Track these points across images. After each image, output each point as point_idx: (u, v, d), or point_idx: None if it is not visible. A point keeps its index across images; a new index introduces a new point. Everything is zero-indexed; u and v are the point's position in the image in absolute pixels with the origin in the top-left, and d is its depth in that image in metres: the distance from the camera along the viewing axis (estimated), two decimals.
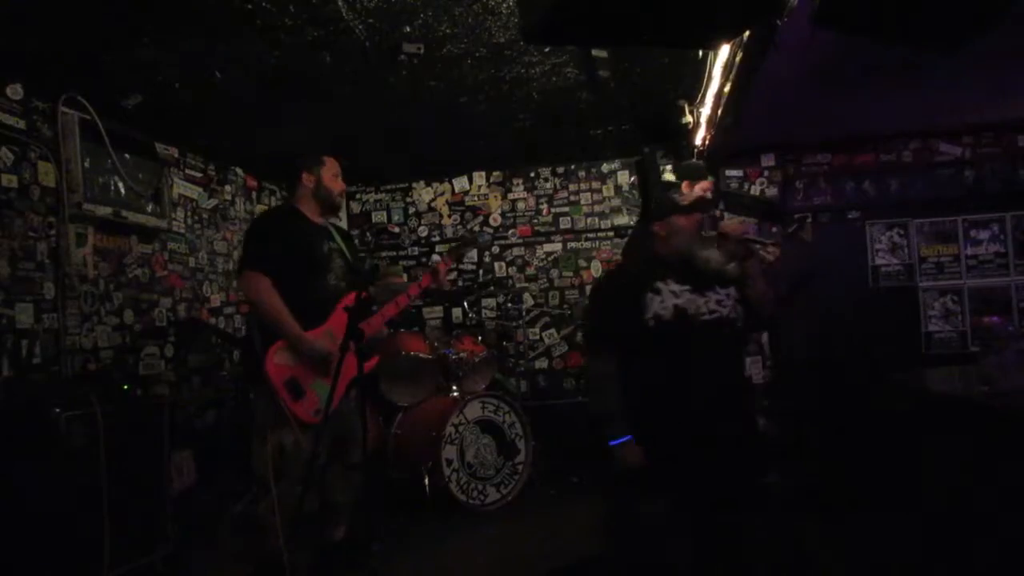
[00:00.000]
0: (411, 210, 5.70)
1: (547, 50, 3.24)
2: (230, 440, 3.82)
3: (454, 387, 4.23)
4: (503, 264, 5.57)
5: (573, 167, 5.51)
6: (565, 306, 5.45)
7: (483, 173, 5.61)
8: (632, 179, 5.43)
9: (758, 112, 3.60)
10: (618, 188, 5.46)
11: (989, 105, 4.13)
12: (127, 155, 3.69)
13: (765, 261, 3.61)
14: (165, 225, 4.03)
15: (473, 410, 3.99)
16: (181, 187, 4.30)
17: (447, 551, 3.36)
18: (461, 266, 5.60)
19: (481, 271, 5.59)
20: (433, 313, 5.60)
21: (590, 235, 5.48)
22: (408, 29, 2.91)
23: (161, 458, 3.10)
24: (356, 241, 5.68)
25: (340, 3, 2.65)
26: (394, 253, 5.69)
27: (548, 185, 5.55)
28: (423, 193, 5.68)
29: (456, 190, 5.65)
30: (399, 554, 3.21)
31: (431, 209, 5.68)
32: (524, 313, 5.47)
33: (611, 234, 5.44)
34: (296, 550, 2.58)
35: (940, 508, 2.57)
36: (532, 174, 5.56)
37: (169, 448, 3.16)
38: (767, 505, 2.26)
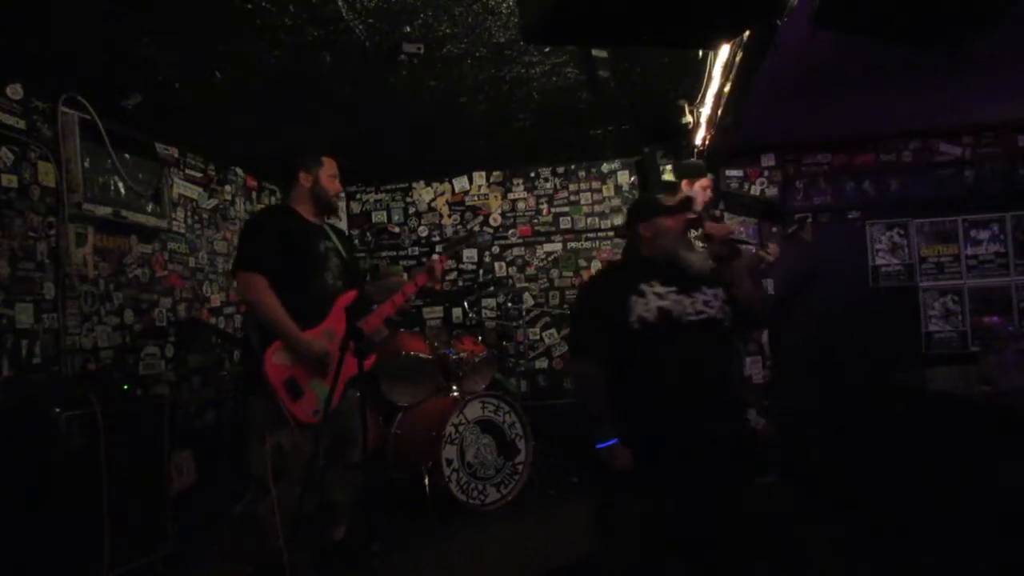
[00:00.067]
0: (411, 210, 5.70)
1: (547, 50, 3.24)
2: (230, 440, 3.82)
3: (454, 387, 4.23)
4: (503, 264, 5.57)
5: (573, 167, 5.51)
6: (565, 306, 5.44)
7: (483, 173, 5.61)
8: (632, 179, 5.43)
9: (758, 112, 3.60)
10: (618, 188, 5.46)
11: (989, 105, 4.14)
12: (127, 155, 3.69)
13: (765, 261, 3.64)
14: (165, 225, 4.03)
15: (473, 410, 3.99)
16: (181, 187, 4.30)
17: (447, 551, 3.36)
18: (461, 266, 5.60)
19: (481, 271, 5.59)
20: (433, 313, 5.61)
21: (590, 235, 5.48)
22: (408, 29, 2.91)
23: (161, 458, 3.10)
24: (356, 241, 5.70)
25: (340, 3, 2.65)
26: (394, 253, 5.69)
27: (548, 185, 5.55)
28: (423, 193, 5.69)
29: (456, 190, 5.65)
30: (399, 554, 3.21)
31: (431, 209, 5.68)
32: (524, 313, 5.47)
33: (611, 234, 5.44)
34: (296, 550, 2.58)
35: (940, 508, 2.57)
36: (532, 174, 5.57)
37: (169, 448, 3.16)
38: (759, 505, 2.26)
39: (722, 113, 3.45)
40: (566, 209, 5.52)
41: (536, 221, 5.55)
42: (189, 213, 4.38)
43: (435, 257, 3.17)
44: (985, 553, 2.29)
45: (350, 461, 2.85)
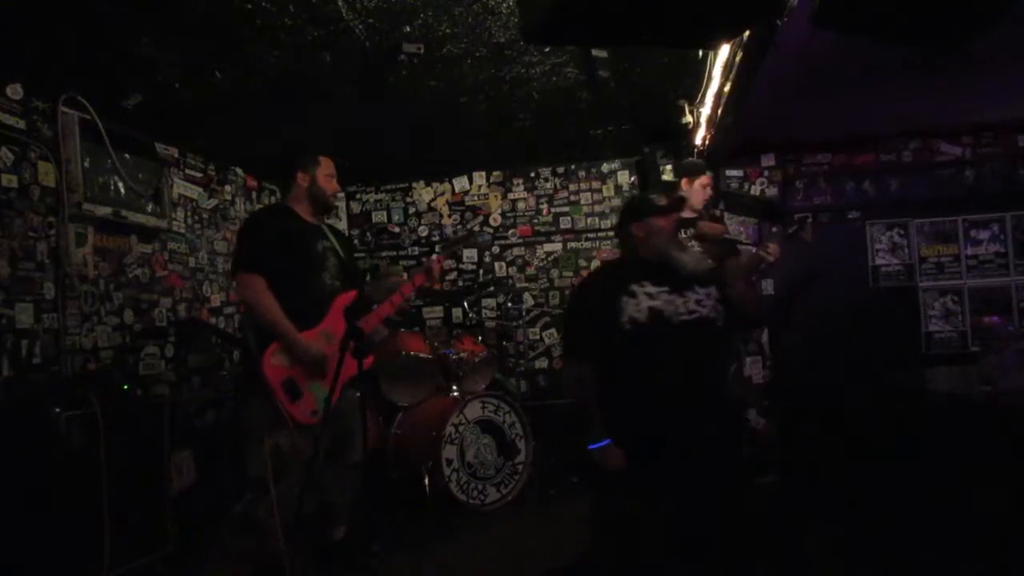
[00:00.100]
0: (411, 210, 5.70)
1: (547, 50, 3.24)
2: (230, 440, 3.82)
3: (454, 387, 4.23)
4: (503, 264, 5.57)
5: (573, 167, 5.51)
6: (565, 306, 5.44)
7: (483, 173, 5.61)
8: (632, 179, 5.43)
9: (758, 112, 3.60)
10: (618, 188, 5.46)
11: (989, 105, 4.14)
12: (127, 155, 3.69)
13: (765, 261, 3.64)
14: (165, 225, 4.03)
15: (473, 410, 3.99)
16: (181, 187, 4.30)
17: (447, 551, 3.36)
18: (461, 266, 5.60)
19: (481, 271, 5.59)
20: (433, 313, 5.60)
21: (590, 235, 5.48)
22: (408, 29, 2.90)
23: (161, 458, 3.10)
24: (356, 241, 5.70)
25: (340, 3, 2.65)
26: (394, 253, 5.69)
27: (548, 185, 5.55)
28: (423, 193, 5.68)
29: (456, 190, 5.65)
30: (399, 554, 3.21)
31: (431, 209, 5.68)
32: (524, 313, 5.47)
33: (611, 234, 5.43)
34: (296, 551, 2.58)
35: (940, 508, 2.57)
36: (532, 174, 5.56)
37: (169, 448, 3.16)
38: (752, 505, 2.26)
39: (722, 113, 3.45)
40: (566, 209, 5.52)
41: (536, 221, 5.55)
42: (189, 213, 4.38)
43: (433, 257, 3.16)
44: (985, 553, 2.29)
45: (349, 461, 2.85)
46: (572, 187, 5.51)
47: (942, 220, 4.71)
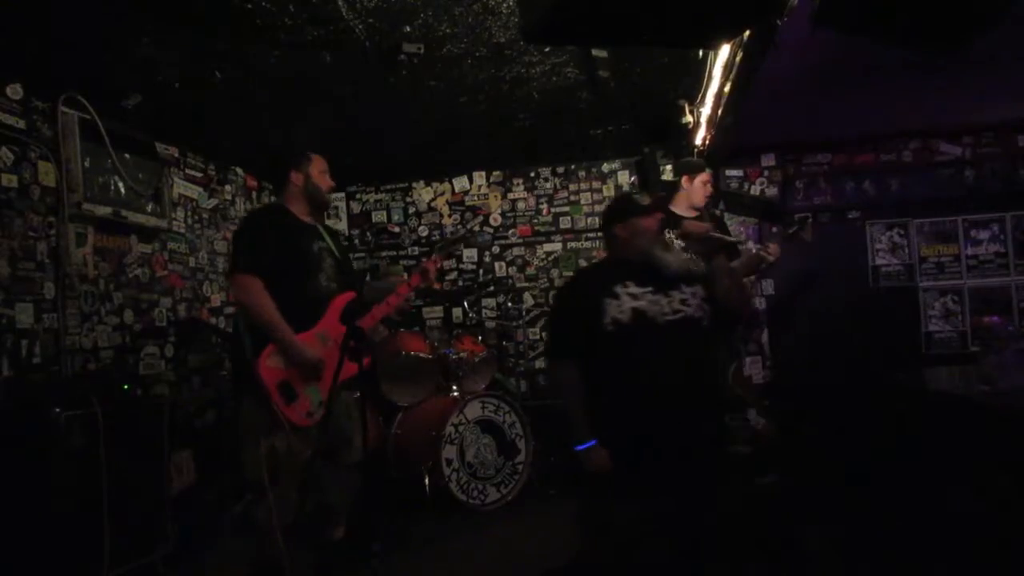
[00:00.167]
0: (411, 210, 5.70)
1: (547, 50, 3.24)
2: (230, 440, 3.82)
3: (454, 387, 4.23)
4: (503, 264, 5.57)
5: (573, 167, 5.51)
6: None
7: (483, 173, 5.61)
8: (632, 179, 5.43)
9: (758, 112, 3.60)
10: (618, 188, 5.46)
11: (989, 105, 4.14)
12: (127, 155, 3.69)
13: (766, 261, 3.63)
14: (165, 225, 4.03)
15: (473, 410, 4.00)
16: (181, 187, 4.30)
17: (447, 551, 3.36)
18: (461, 266, 5.60)
19: (481, 271, 5.59)
20: (433, 313, 5.60)
21: (590, 235, 5.47)
22: (408, 29, 2.91)
23: (161, 458, 3.10)
24: (356, 241, 5.70)
25: (340, 3, 2.65)
26: (394, 253, 5.69)
27: (548, 185, 5.55)
28: (423, 193, 5.68)
29: (456, 190, 5.65)
30: (399, 554, 3.21)
31: (431, 209, 5.68)
32: (524, 313, 5.47)
33: None
34: (295, 552, 2.57)
35: (940, 508, 2.57)
36: (532, 174, 5.56)
37: (169, 448, 3.16)
38: (738, 505, 2.25)
39: (722, 113, 3.45)
40: (566, 209, 5.52)
41: (536, 221, 5.55)
42: (189, 213, 4.38)
43: (434, 256, 3.15)
44: (985, 553, 2.29)
45: (346, 462, 2.84)
46: (572, 187, 5.51)
47: (942, 220, 4.71)
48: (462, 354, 4.29)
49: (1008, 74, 3.43)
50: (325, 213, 3.18)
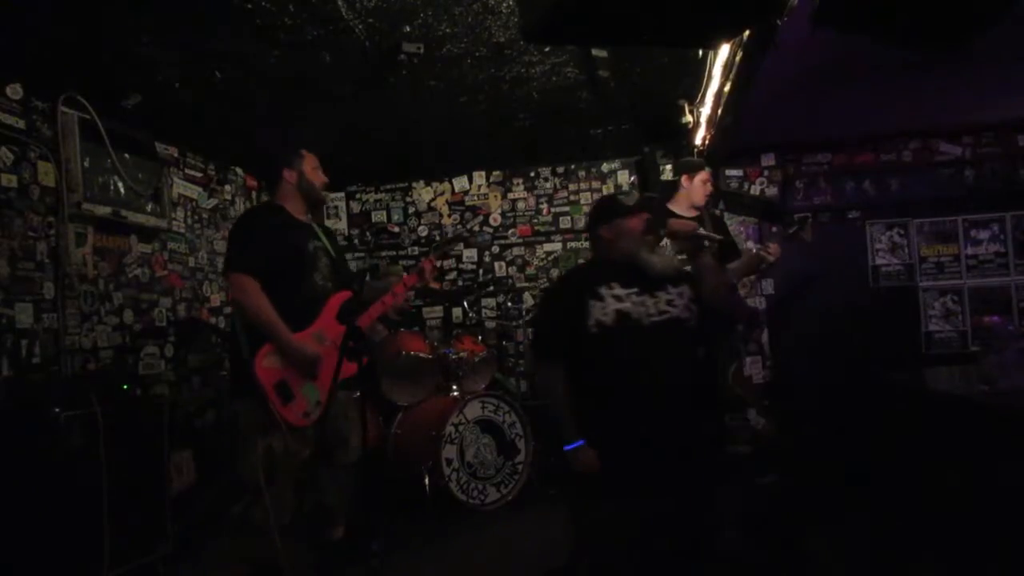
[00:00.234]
0: (411, 210, 5.70)
1: (547, 50, 3.24)
2: (230, 440, 3.82)
3: (454, 387, 4.23)
4: (503, 264, 5.57)
5: (573, 167, 5.51)
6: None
7: (483, 173, 5.61)
8: (632, 179, 5.43)
9: (758, 112, 3.60)
10: (618, 188, 5.46)
11: (989, 105, 4.14)
12: (127, 155, 3.69)
13: (766, 261, 3.63)
14: (165, 225, 4.03)
15: (473, 410, 3.99)
16: (181, 187, 4.30)
17: (447, 551, 3.36)
18: (461, 265, 5.60)
19: (481, 271, 5.59)
20: (433, 313, 5.60)
21: None
22: (408, 29, 2.90)
23: (161, 458, 3.10)
24: (356, 241, 5.70)
25: (340, 3, 2.65)
26: (394, 253, 5.69)
27: (548, 185, 5.55)
28: (423, 193, 5.68)
29: (456, 190, 5.65)
30: (399, 554, 3.21)
31: (431, 209, 5.68)
32: (524, 313, 5.47)
33: None
34: (294, 552, 2.57)
35: (940, 508, 2.57)
36: (532, 174, 5.56)
37: (169, 448, 3.16)
38: (724, 507, 2.25)
39: (722, 113, 3.45)
40: (566, 209, 5.52)
41: (536, 221, 5.55)
42: (189, 213, 4.38)
43: (430, 256, 3.15)
44: (985, 553, 2.29)
45: (343, 462, 2.84)
46: (572, 187, 5.51)
47: (942, 220, 4.71)
48: (462, 354, 4.29)
49: (1008, 73, 3.43)
50: (325, 212, 3.18)
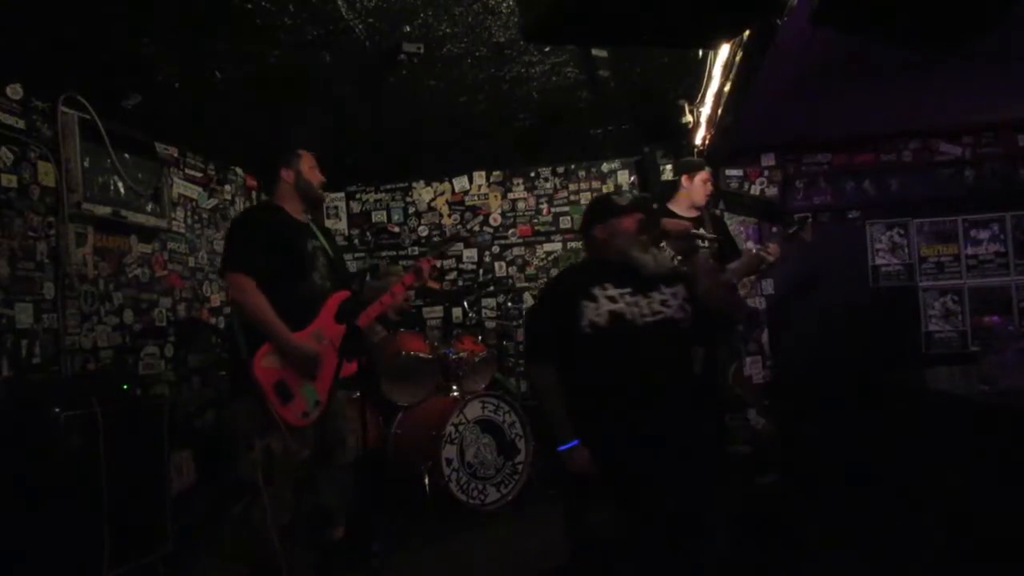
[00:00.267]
0: (411, 210, 5.70)
1: (547, 50, 3.24)
2: (229, 440, 3.82)
3: (454, 387, 4.23)
4: (503, 264, 5.57)
5: (573, 167, 5.51)
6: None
7: (483, 173, 5.61)
8: (632, 179, 5.43)
9: (758, 112, 3.60)
10: (618, 188, 5.46)
11: (989, 105, 4.14)
12: (127, 155, 3.69)
13: (766, 261, 3.63)
14: (165, 225, 4.04)
15: (473, 410, 3.99)
16: (181, 187, 4.30)
17: (447, 551, 3.36)
18: (461, 265, 5.61)
19: (481, 271, 5.59)
20: (433, 313, 5.60)
21: None
22: (408, 29, 2.91)
23: (161, 458, 3.10)
24: (356, 241, 5.70)
25: (340, 3, 2.65)
26: (394, 253, 5.69)
27: (548, 185, 5.55)
28: (423, 193, 5.68)
29: (456, 190, 5.65)
30: (399, 554, 3.21)
31: (431, 209, 5.68)
32: (524, 313, 5.47)
33: None
34: (293, 552, 2.57)
35: (940, 508, 2.57)
36: (532, 174, 5.56)
37: (169, 448, 3.16)
38: (719, 506, 2.24)
39: (722, 113, 3.45)
40: (566, 209, 5.52)
41: (536, 221, 5.55)
42: (189, 213, 4.38)
43: (428, 256, 3.14)
44: (985, 553, 2.29)
45: (341, 462, 2.84)
46: (572, 187, 5.51)
47: (942, 220, 4.71)
48: (462, 354, 4.29)
49: (1008, 73, 3.43)
50: (324, 212, 3.17)
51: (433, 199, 5.67)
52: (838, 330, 4.60)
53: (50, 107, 3.31)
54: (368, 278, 3.97)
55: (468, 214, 5.62)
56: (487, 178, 5.62)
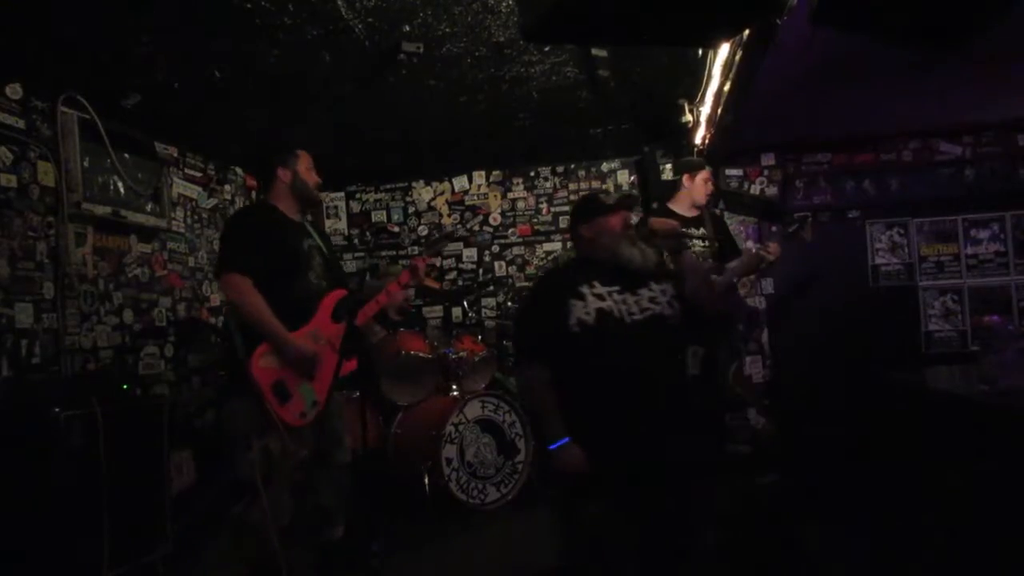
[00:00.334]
0: (411, 209, 5.70)
1: (547, 49, 3.24)
2: (227, 440, 3.82)
3: (454, 386, 4.23)
4: (503, 263, 5.57)
5: (573, 166, 5.51)
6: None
7: (483, 172, 5.61)
8: (632, 178, 5.43)
9: (758, 111, 3.60)
10: (618, 187, 5.46)
11: (989, 105, 4.13)
12: (126, 155, 3.69)
13: (766, 261, 3.64)
14: (164, 225, 4.03)
15: (473, 409, 3.99)
16: (180, 186, 4.30)
17: (447, 551, 3.36)
18: (461, 265, 5.60)
19: (481, 270, 5.59)
20: (433, 313, 5.60)
21: None
22: (407, 28, 2.90)
23: (161, 458, 3.10)
24: (356, 240, 5.70)
25: (339, 2, 2.65)
26: (394, 253, 5.69)
27: (548, 184, 5.55)
28: (423, 192, 5.68)
29: (456, 189, 5.64)
30: (399, 554, 3.21)
31: (431, 208, 5.67)
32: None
33: None
34: (293, 552, 2.57)
35: (939, 508, 2.57)
36: (532, 173, 5.56)
37: (169, 448, 3.16)
38: (712, 504, 2.23)
39: (722, 112, 3.45)
40: (566, 208, 5.51)
41: (536, 220, 5.55)
42: (189, 213, 4.38)
43: (423, 255, 3.14)
44: (985, 553, 2.29)
45: (338, 462, 2.84)
46: (572, 186, 5.51)
47: (942, 219, 4.71)
48: (462, 353, 4.29)
49: (1008, 73, 3.43)
50: (324, 212, 3.16)
51: (433, 199, 5.67)
52: (838, 330, 4.60)
53: (50, 107, 3.31)
54: (368, 278, 3.97)
55: (468, 214, 5.62)
56: (487, 178, 5.61)
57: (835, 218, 4.85)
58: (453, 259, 5.60)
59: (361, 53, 3.08)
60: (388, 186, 5.71)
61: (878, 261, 4.78)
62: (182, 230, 4.30)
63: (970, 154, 4.70)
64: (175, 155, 4.26)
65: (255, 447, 2.53)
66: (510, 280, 5.54)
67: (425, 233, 5.66)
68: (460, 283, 5.57)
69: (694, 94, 3.63)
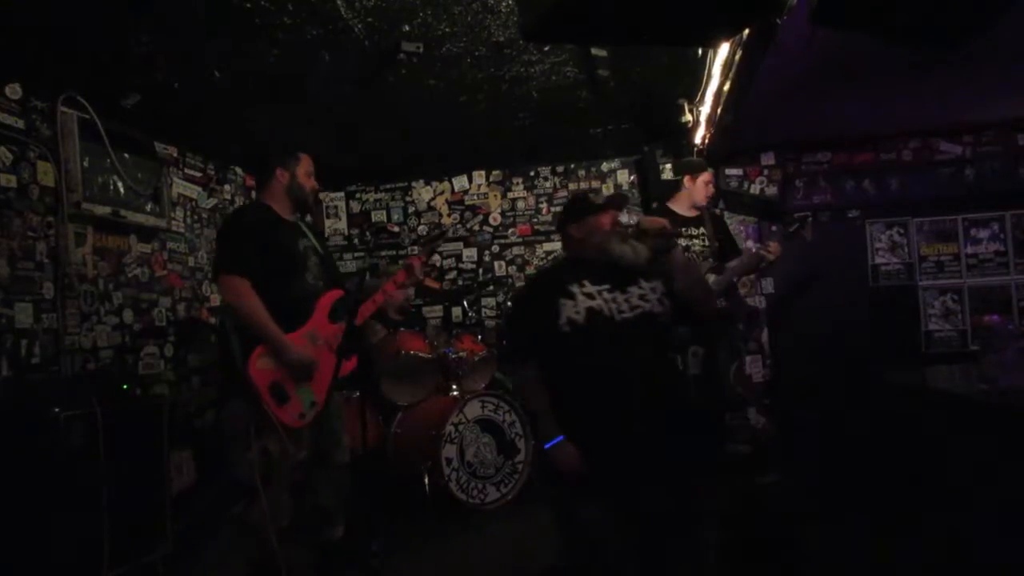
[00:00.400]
0: (411, 209, 5.70)
1: (547, 49, 3.24)
2: (225, 441, 3.82)
3: (454, 386, 4.23)
4: (503, 263, 5.56)
5: (573, 166, 5.50)
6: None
7: (483, 172, 5.61)
8: (632, 178, 5.43)
9: (758, 111, 3.60)
10: (618, 187, 5.46)
11: (989, 105, 4.13)
12: (126, 154, 3.69)
13: (766, 260, 3.64)
14: (164, 224, 4.03)
15: (473, 409, 3.99)
16: (180, 186, 4.30)
17: (447, 551, 3.36)
18: (461, 265, 5.60)
19: (481, 270, 5.59)
20: (433, 312, 5.60)
21: None
22: (407, 28, 2.90)
23: (161, 458, 3.10)
24: (356, 240, 5.69)
25: (339, 2, 2.65)
26: (394, 252, 5.69)
27: (548, 184, 5.55)
28: (423, 192, 5.68)
29: (456, 189, 5.64)
30: (399, 554, 3.21)
31: (431, 208, 5.67)
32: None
33: None
34: (293, 552, 2.57)
35: (940, 507, 2.57)
36: (532, 173, 5.56)
37: (169, 448, 3.16)
38: (706, 503, 2.22)
39: (722, 112, 3.45)
40: None
41: (536, 220, 5.55)
42: (188, 212, 4.38)
43: (418, 253, 3.13)
44: (985, 553, 2.29)
45: (337, 462, 2.83)
46: (572, 186, 5.51)
47: (942, 219, 4.71)
48: (462, 353, 4.29)
49: (1008, 73, 3.43)
50: (324, 212, 3.16)
51: (433, 198, 5.67)
52: (838, 329, 4.60)
53: (49, 107, 3.30)
54: (367, 277, 3.96)
55: (468, 213, 5.62)
56: (487, 177, 5.61)
57: (835, 218, 4.85)
58: (453, 259, 5.60)
59: (361, 53, 3.08)
60: (388, 186, 5.71)
61: (878, 261, 4.78)
62: (182, 230, 4.30)
63: (970, 154, 4.70)
64: (175, 155, 4.26)
65: (254, 448, 2.52)
66: (510, 280, 5.54)
67: (425, 233, 5.65)
68: (460, 283, 5.57)
69: (694, 94, 3.63)
